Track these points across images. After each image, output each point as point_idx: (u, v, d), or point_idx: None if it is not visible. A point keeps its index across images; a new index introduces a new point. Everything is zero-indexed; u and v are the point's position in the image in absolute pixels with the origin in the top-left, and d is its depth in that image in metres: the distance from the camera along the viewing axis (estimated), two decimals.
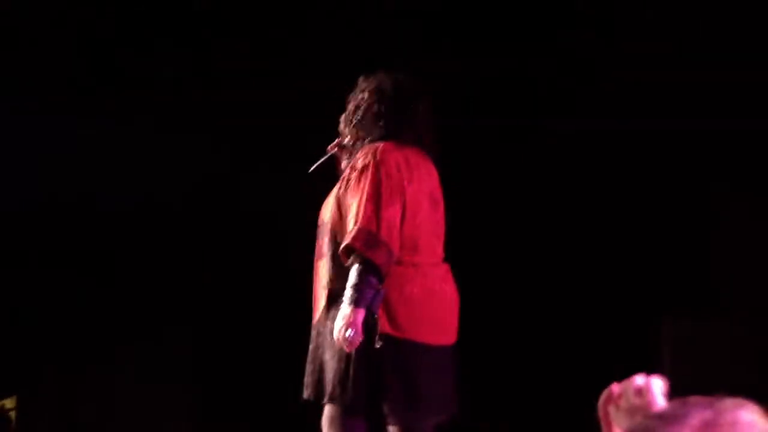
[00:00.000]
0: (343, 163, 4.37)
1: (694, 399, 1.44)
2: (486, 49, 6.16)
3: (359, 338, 4.00)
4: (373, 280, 4.01)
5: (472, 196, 5.77)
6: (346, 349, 4.02)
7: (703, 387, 1.64)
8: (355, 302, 4.00)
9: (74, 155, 6.18)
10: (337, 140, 4.41)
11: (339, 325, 4.01)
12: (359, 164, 4.17)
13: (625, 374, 2.10)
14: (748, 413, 1.39)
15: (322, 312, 4.20)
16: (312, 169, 4.41)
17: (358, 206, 4.08)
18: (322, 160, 4.42)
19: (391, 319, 4.09)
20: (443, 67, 6.08)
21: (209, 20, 6.16)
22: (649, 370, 2.13)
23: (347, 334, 3.99)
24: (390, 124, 4.25)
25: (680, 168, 6.05)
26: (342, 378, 4.08)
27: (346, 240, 4.06)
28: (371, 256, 4.01)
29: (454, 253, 4.37)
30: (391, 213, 4.06)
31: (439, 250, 4.32)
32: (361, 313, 4.01)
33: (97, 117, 6.20)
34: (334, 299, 4.14)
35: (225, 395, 6.32)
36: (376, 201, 4.06)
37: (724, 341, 5.67)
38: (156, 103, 6.19)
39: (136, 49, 6.17)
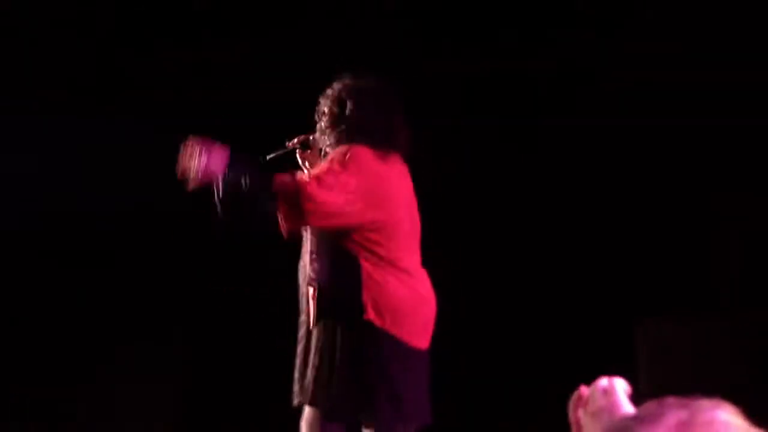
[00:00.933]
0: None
1: (670, 400, 1.44)
2: (484, 49, 6.15)
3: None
4: (256, 180, 4.00)
5: (454, 196, 5.76)
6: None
7: (678, 388, 1.65)
8: (226, 182, 4.02)
9: (73, 155, 6.16)
10: (299, 137, 4.38)
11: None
12: (331, 156, 4.17)
13: (599, 376, 2.10)
14: (723, 413, 1.39)
15: (312, 312, 4.18)
16: (269, 157, 4.37)
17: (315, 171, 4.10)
18: (281, 152, 4.39)
19: (379, 312, 4.07)
20: (443, 67, 6.09)
21: (207, 20, 6.15)
22: (625, 372, 2.14)
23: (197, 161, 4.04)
24: (363, 126, 4.22)
25: (659, 170, 6.02)
26: (324, 382, 4.07)
27: (282, 176, 4.08)
28: (281, 194, 4.02)
29: (433, 255, 4.36)
30: (344, 183, 4.02)
31: (419, 254, 4.31)
32: (218, 172, 4.02)
33: (93, 116, 6.17)
34: (323, 300, 4.13)
35: (216, 396, 6.30)
36: (330, 171, 4.05)
37: (700, 343, 5.66)
38: (155, 103, 6.16)
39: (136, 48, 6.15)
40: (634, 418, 1.40)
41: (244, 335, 6.16)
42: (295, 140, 4.39)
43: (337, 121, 4.26)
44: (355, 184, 4.04)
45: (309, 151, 4.39)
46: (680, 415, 1.38)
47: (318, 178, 4.03)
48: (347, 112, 4.24)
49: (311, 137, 4.36)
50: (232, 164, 4.06)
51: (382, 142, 4.21)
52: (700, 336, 5.67)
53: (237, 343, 6.21)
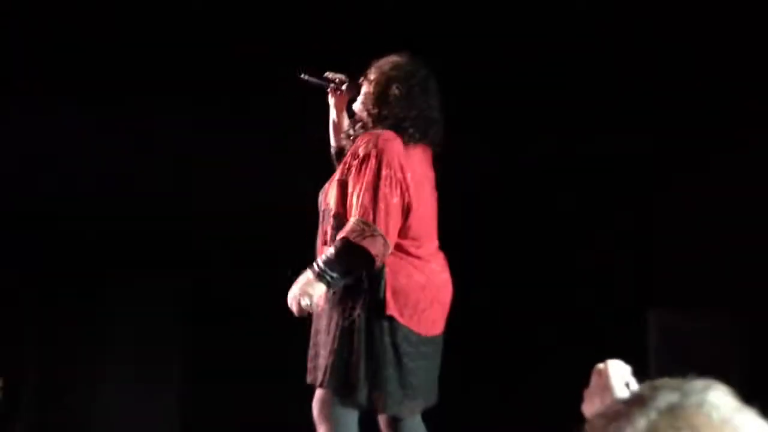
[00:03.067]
0: (344, 146, 4.36)
1: (663, 381, 1.43)
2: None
3: (310, 311, 4.03)
4: (362, 269, 4.01)
5: (459, 188, 5.74)
6: (296, 312, 4.03)
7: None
8: (330, 282, 4.02)
9: (64, 151, 6.14)
10: (339, 76, 4.38)
11: (298, 291, 4.02)
12: (360, 152, 4.15)
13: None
14: (715, 395, 1.38)
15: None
16: (305, 77, 4.39)
17: (357, 197, 4.07)
18: (316, 80, 4.41)
19: (397, 303, 4.09)
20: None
21: (206, 20, 6.14)
22: (636, 361, 2.15)
23: (303, 303, 4.02)
24: (402, 119, 4.21)
25: (669, 163, 5.97)
26: (336, 364, 4.08)
27: (342, 233, 4.06)
28: (366, 245, 4.00)
29: (447, 243, 4.37)
30: (390, 203, 4.04)
31: (436, 238, 4.32)
32: (326, 293, 4.03)
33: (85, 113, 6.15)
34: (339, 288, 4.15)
35: (213, 395, 6.30)
36: (374, 191, 4.05)
37: (710, 332, 5.63)
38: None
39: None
40: (625, 402, 1.39)
41: (243, 341, 6.14)
42: (335, 77, 4.40)
43: (378, 102, 4.24)
44: (392, 203, 4.07)
45: (339, 93, 4.42)
46: (670, 398, 1.37)
47: (367, 208, 4.03)
48: (390, 98, 4.23)
49: (347, 83, 4.37)
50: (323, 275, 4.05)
51: (415, 136, 4.19)
52: (711, 326, 5.65)
53: (235, 350, 6.18)
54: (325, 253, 4.08)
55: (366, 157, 4.11)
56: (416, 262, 4.18)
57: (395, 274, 4.11)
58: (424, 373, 4.17)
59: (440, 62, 4.41)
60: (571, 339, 5.80)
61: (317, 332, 4.21)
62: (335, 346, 4.09)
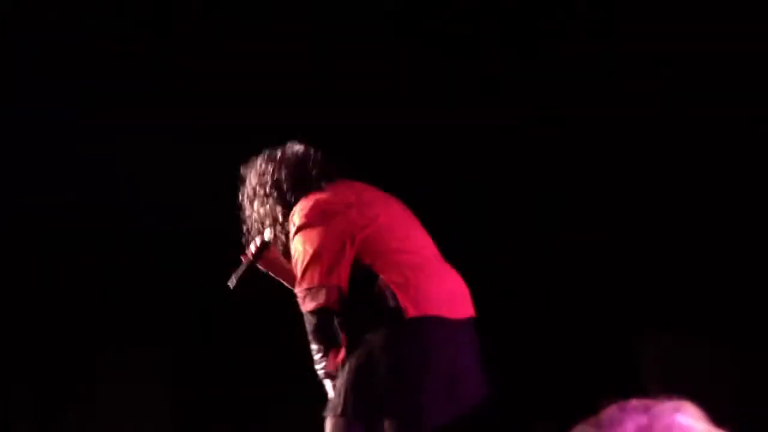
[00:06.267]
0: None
1: (633, 403, 1.43)
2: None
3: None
4: (329, 319, 4.03)
5: (450, 203, 5.74)
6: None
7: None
8: (324, 351, 4.08)
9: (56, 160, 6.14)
10: (254, 246, 4.27)
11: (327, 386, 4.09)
12: (291, 229, 4.13)
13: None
14: (684, 417, 1.38)
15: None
16: (234, 283, 4.25)
17: (299, 268, 4.06)
18: (243, 269, 4.24)
19: (413, 303, 4.02)
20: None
21: (206, 20, 6.15)
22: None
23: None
24: (301, 181, 4.22)
25: (663, 184, 5.97)
26: (339, 389, 4.05)
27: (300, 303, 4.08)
28: (318, 303, 4.00)
29: None
30: (330, 257, 4.00)
31: (432, 247, 4.26)
32: (337, 356, 4.06)
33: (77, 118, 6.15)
34: (354, 330, 4.12)
35: (206, 397, 6.31)
36: (311, 256, 4.03)
37: (704, 357, 5.63)
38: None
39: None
40: (594, 424, 1.38)
41: (235, 334, 6.13)
42: (252, 249, 4.29)
43: (270, 192, 4.25)
44: (332, 257, 4.01)
45: (271, 248, 4.30)
46: (639, 420, 1.37)
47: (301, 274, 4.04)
48: (273, 180, 4.24)
49: (264, 239, 4.27)
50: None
51: (320, 181, 4.21)
52: (705, 351, 5.65)
53: (227, 342, 6.18)
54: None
55: (296, 228, 4.10)
56: (411, 257, 4.13)
57: (404, 283, 4.04)
58: (437, 389, 4.03)
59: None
60: (564, 361, 5.79)
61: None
62: (356, 378, 4.03)
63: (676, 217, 5.90)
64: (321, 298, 4.02)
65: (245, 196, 4.33)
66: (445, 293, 4.09)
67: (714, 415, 1.50)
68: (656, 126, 5.93)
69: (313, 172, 4.26)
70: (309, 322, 4.09)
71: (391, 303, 3.96)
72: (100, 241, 6.26)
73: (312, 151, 4.34)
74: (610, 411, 1.42)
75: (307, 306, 4.05)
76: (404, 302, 3.96)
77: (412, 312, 3.96)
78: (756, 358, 5.64)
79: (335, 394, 4.02)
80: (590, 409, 1.98)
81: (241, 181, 4.35)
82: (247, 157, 4.32)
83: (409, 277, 4.03)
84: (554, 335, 5.96)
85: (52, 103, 6.09)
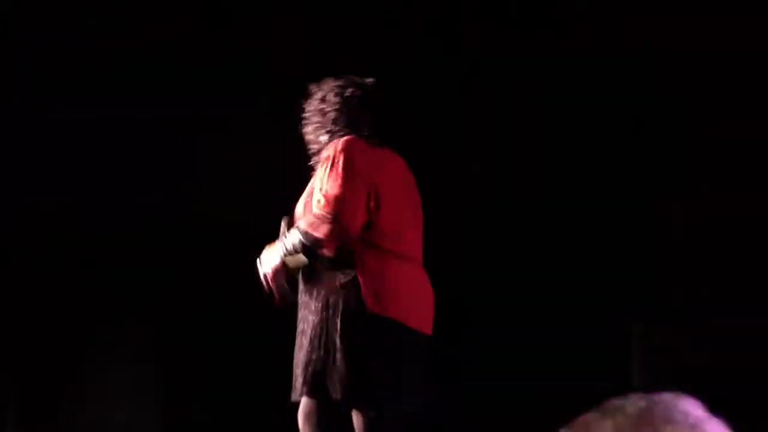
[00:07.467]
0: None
1: (634, 395, 1.44)
2: None
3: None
4: (315, 253, 4.09)
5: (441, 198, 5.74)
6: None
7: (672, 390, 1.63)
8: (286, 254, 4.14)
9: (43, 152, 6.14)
10: (272, 269, 4.28)
11: (265, 267, 4.16)
12: (323, 156, 4.18)
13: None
14: (685, 403, 1.39)
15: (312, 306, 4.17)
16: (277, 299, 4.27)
17: (320, 190, 4.09)
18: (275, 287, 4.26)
19: (378, 300, 4.05)
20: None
21: (205, 21, 6.16)
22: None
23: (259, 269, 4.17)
24: (353, 121, 4.24)
25: (660, 175, 5.98)
26: (317, 371, 4.05)
27: (299, 224, 4.11)
28: (316, 231, 4.05)
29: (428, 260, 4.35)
30: (351, 194, 4.05)
31: (420, 250, 4.30)
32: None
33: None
34: (322, 293, 4.13)
35: (197, 381, 6.32)
36: (333, 183, 4.05)
37: (694, 348, 5.63)
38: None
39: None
40: (596, 410, 1.39)
41: (226, 318, 6.13)
42: (271, 274, 4.27)
43: (324, 119, 4.28)
44: (353, 195, 4.05)
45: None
46: (640, 404, 1.38)
47: (326, 198, 4.05)
48: (334, 109, 4.27)
49: (284, 254, 4.25)
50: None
51: (370, 136, 4.22)
52: (695, 341, 5.64)
53: (218, 326, 6.18)
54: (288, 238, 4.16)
55: (327, 158, 4.13)
56: (394, 259, 4.14)
57: (379, 275, 4.07)
58: (413, 375, 4.14)
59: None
60: (552, 352, 5.78)
61: (302, 345, 4.19)
62: (311, 355, 4.08)
63: (676, 217, 5.92)
64: (325, 230, 4.05)
65: (306, 111, 4.35)
66: (416, 302, 4.13)
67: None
68: (652, 122, 5.95)
69: (368, 121, 4.25)
70: (305, 240, 4.09)
71: (358, 300, 4.02)
72: (91, 228, 6.27)
73: (377, 101, 4.33)
74: (613, 399, 1.43)
75: (321, 231, 4.05)
76: (367, 294, 4.01)
77: (375, 308, 4.01)
78: None
79: (300, 373, 4.06)
80: (587, 408, 2.00)
81: (307, 95, 4.37)
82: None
83: (388, 272, 4.07)
84: (548, 334, 5.97)
85: (51, 102, 6.11)
